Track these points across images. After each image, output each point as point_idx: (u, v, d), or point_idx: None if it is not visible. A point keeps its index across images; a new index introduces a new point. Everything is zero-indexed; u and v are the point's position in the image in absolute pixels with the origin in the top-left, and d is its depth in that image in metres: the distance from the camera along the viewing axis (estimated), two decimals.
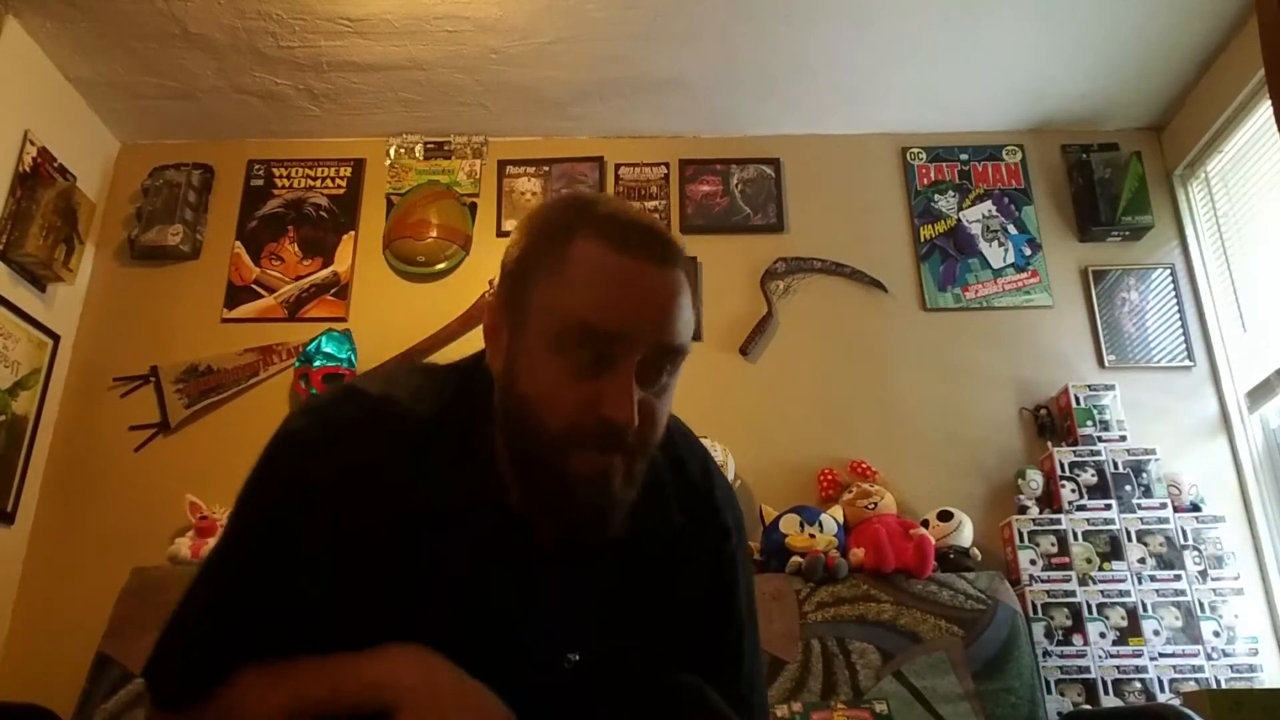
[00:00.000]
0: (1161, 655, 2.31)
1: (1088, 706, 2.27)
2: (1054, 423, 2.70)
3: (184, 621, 0.91)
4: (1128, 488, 2.50)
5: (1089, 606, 2.36)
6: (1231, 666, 2.29)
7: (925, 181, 3.05)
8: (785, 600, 2.26)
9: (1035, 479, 2.56)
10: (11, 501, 2.57)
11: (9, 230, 2.56)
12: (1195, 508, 2.50)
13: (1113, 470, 2.52)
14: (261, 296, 2.92)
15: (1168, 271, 2.89)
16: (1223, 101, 2.71)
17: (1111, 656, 2.31)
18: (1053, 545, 2.44)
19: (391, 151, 3.11)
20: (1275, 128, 1.60)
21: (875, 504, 2.49)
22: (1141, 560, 2.41)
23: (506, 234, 2.99)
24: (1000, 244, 2.95)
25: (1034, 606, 2.37)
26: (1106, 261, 2.92)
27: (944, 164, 3.06)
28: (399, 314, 2.89)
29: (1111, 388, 2.65)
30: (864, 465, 2.62)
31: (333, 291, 2.93)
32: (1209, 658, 2.30)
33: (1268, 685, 2.30)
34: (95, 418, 2.77)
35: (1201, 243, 2.90)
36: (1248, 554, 2.54)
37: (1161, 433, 2.64)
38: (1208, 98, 2.81)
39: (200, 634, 0.88)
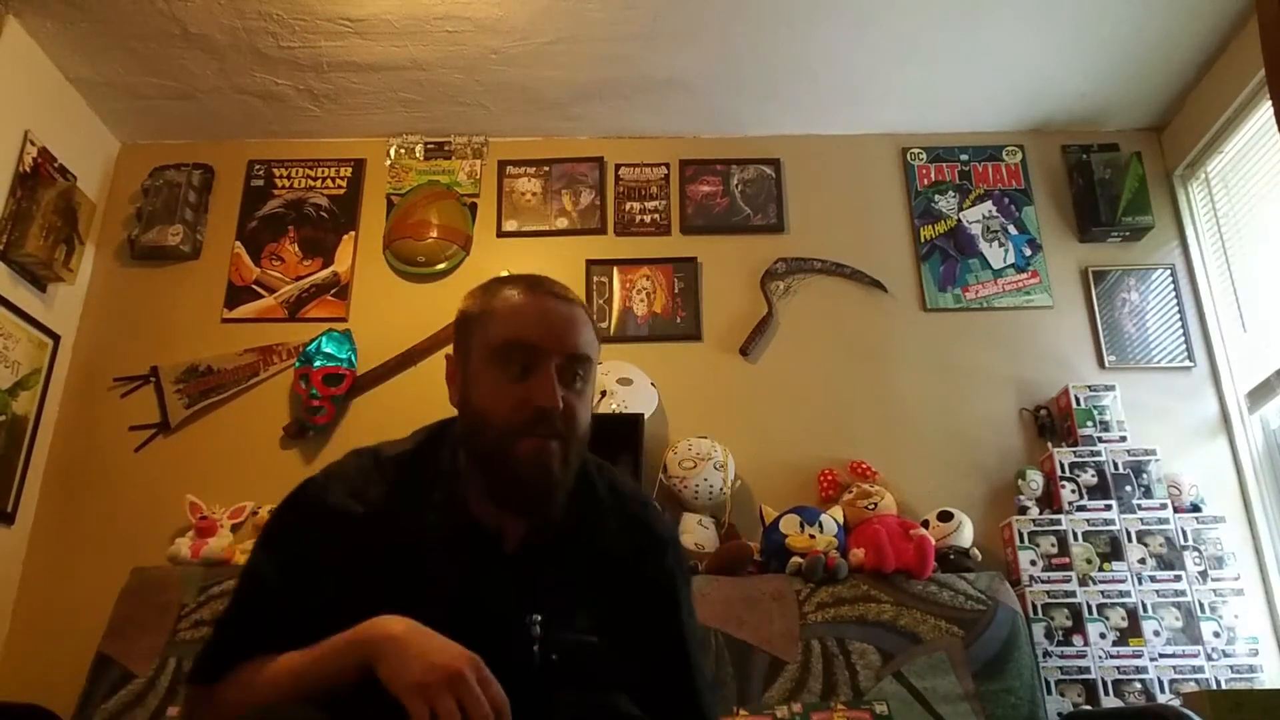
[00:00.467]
0: (1161, 656, 2.31)
1: (1088, 707, 2.27)
2: (1054, 423, 2.70)
3: (218, 622, 1.11)
4: (1128, 488, 2.50)
5: (1089, 607, 2.36)
6: (1231, 667, 2.29)
7: (925, 182, 3.05)
8: (785, 601, 2.26)
9: (1035, 479, 2.56)
10: (11, 501, 2.57)
11: (9, 230, 2.56)
12: (1195, 508, 2.50)
13: (1113, 471, 2.52)
14: (262, 296, 2.92)
15: (1168, 272, 2.89)
16: (1223, 102, 2.71)
17: (1111, 657, 2.31)
18: (1053, 546, 2.44)
19: (392, 152, 3.11)
20: (1275, 128, 1.60)
21: (875, 504, 2.49)
22: (1142, 561, 2.41)
23: (507, 234, 3.00)
24: (1000, 244, 2.95)
25: (1034, 607, 2.37)
26: (1107, 262, 2.92)
27: (944, 164, 3.06)
28: (399, 314, 2.89)
29: (1112, 388, 2.65)
30: (864, 465, 2.62)
31: (333, 292, 2.93)
32: (1209, 658, 2.30)
33: (1268, 686, 2.30)
34: (95, 418, 2.77)
35: (1202, 243, 2.90)
36: (1248, 554, 2.54)
37: (1162, 433, 2.64)
38: (1208, 98, 2.81)
39: (225, 627, 1.08)
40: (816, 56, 2.77)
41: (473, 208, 3.05)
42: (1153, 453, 2.53)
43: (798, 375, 2.82)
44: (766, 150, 3.09)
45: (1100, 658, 2.31)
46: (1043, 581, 2.40)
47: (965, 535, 2.46)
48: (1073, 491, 2.50)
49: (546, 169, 3.09)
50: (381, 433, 2.90)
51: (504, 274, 1.25)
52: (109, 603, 2.32)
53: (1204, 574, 2.39)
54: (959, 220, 2.99)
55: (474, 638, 0.96)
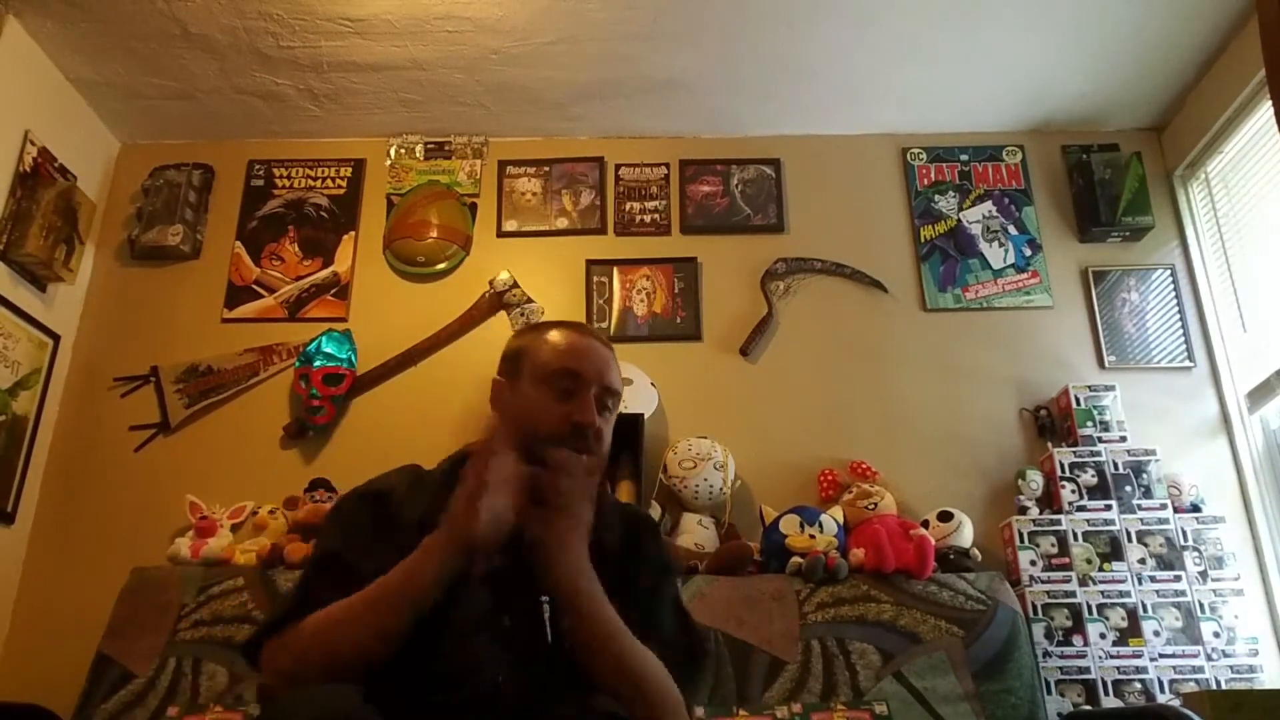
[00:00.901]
0: (1161, 656, 2.31)
1: (1088, 707, 2.27)
2: (1054, 423, 2.70)
3: (291, 593, 1.31)
4: (1128, 488, 2.50)
5: (1089, 607, 2.36)
6: (1231, 667, 2.29)
7: (925, 182, 3.05)
8: (785, 601, 2.26)
9: (1035, 479, 2.56)
10: (11, 501, 2.57)
11: (9, 230, 2.56)
12: (1195, 508, 2.50)
13: (1113, 471, 2.52)
14: (262, 296, 2.92)
15: (1168, 272, 2.89)
16: (1223, 102, 2.71)
17: (1111, 657, 2.31)
18: (1053, 546, 2.44)
19: (392, 151, 3.11)
20: (1275, 128, 1.60)
21: (875, 504, 2.49)
22: (1142, 561, 2.41)
23: (507, 234, 3.00)
24: (1000, 244, 2.95)
25: (1034, 607, 2.37)
26: (1107, 262, 2.92)
27: (944, 164, 3.06)
28: (399, 314, 2.89)
29: (1112, 388, 2.65)
30: (864, 465, 2.62)
31: (333, 291, 2.93)
32: (1209, 658, 2.30)
33: (1268, 686, 2.30)
34: (95, 418, 2.77)
35: (1201, 243, 2.90)
36: (1248, 554, 2.54)
37: (1161, 433, 2.64)
38: (1208, 98, 2.81)
39: (298, 592, 1.23)
40: (816, 56, 2.77)
41: (473, 208, 3.05)
42: (1153, 453, 2.53)
43: (798, 375, 2.82)
44: (766, 150, 3.09)
45: (1100, 658, 2.31)
46: (1043, 581, 2.40)
47: (965, 535, 2.46)
48: (1073, 491, 2.50)
49: (546, 169, 3.09)
50: (381, 433, 2.91)
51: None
52: (109, 603, 2.32)
53: (1204, 574, 2.39)
54: (959, 220, 2.99)
55: (496, 613, 1.16)
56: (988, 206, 3.00)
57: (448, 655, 1.13)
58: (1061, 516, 2.47)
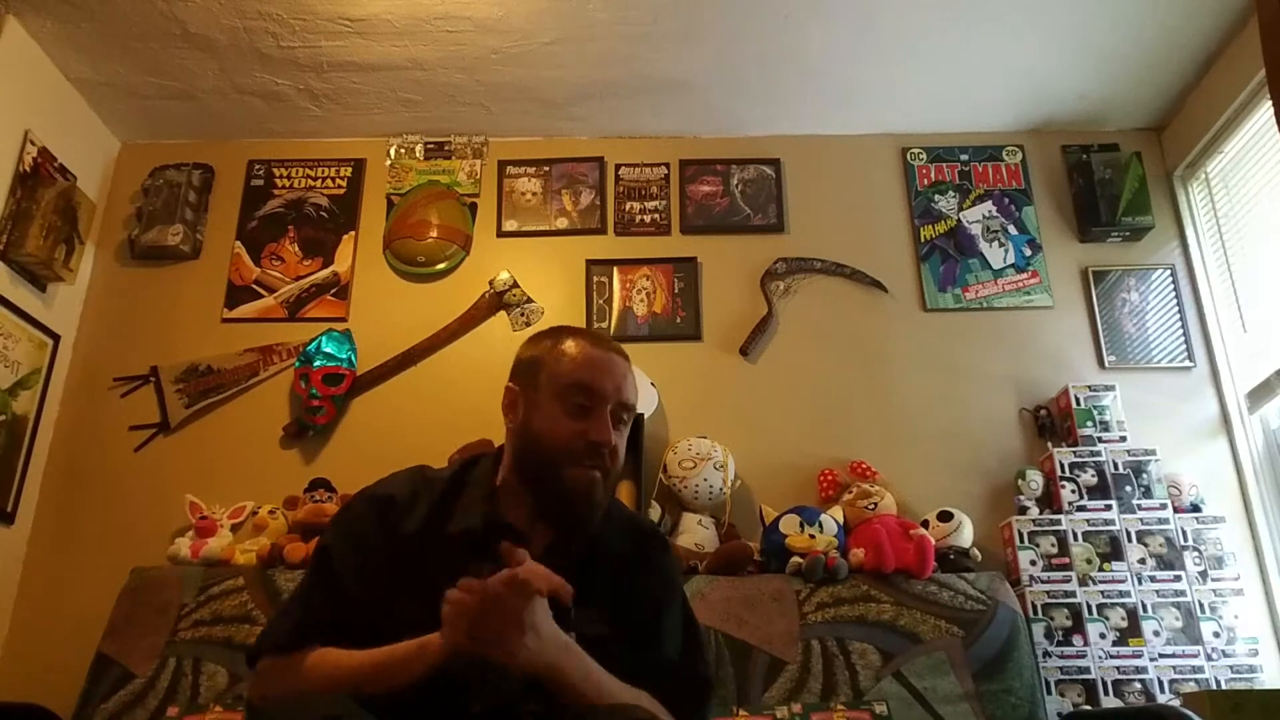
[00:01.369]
0: (1161, 656, 2.31)
1: (1088, 707, 2.27)
2: (1054, 423, 2.70)
3: (284, 607, 1.27)
4: (1128, 488, 2.50)
5: (1089, 607, 2.36)
6: (1231, 667, 2.29)
7: (925, 182, 3.05)
8: (785, 601, 2.26)
9: (1035, 479, 2.56)
10: (11, 501, 2.57)
11: (9, 230, 2.56)
12: (1195, 508, 2.50)
13: (1113, 471, 2.52)
14: (262, 296, 2.92)
15: (1168, 272, 2.89)
16: (1223, 102, 2.71)
17: (1111, 657, 2.31)
18: (1053, 546, 2.44)
19: (392, 151, 3.11)
20: (1275, 128, 1.60)
21: (875, 504, 2.49)
22: (1141, 561, 2.41)
23: (507, 234, 3.00)
24: (1000, 244, 2.95)
25: (1034, 607, 2.36)
26: (1107, 262, 2.92)
27: (944, 164, 3.06)
28: (399, 314, 2.89)
29: (1111, 388, 2.65)
30: (864, 465, 2.62)
31: (333, 291, 2.93)
32: (1209, 658, 2.30)
33: (1268, 686, 2.30)
34: (95, 418, 2.77)
35: (1201, 243, 2.90)
36: (1248, 554, 2.54)
37: (1161, 433, 2.64)
38: (1208, 98, 2.81)
39: (292, 611, 1.23)
40: (816, 56, 2.77)
41: (473, 208, 3.05)
42: (1153, 453, 2.53)
43: (798, 375, 2.82)
44: (766, 150, 3.09)
45: (1100, 658, 2.31)
46: (1043, 581, 2.39)
47: (965, 535, 2.46)
48: (1073, 491, 2.50)
49: (546, 169, 3.09)
50: (381, 433, 2.91)
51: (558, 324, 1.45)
52: (109, 603, 2.32)
53: (1204, 574, 2.39)
54: (959, 220, 2.99)
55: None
56: (988, 206, 3.00)
57: (457, 671, 1.11)
58: (1061, 516, 2.47)
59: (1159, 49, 2.73)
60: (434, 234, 2.97)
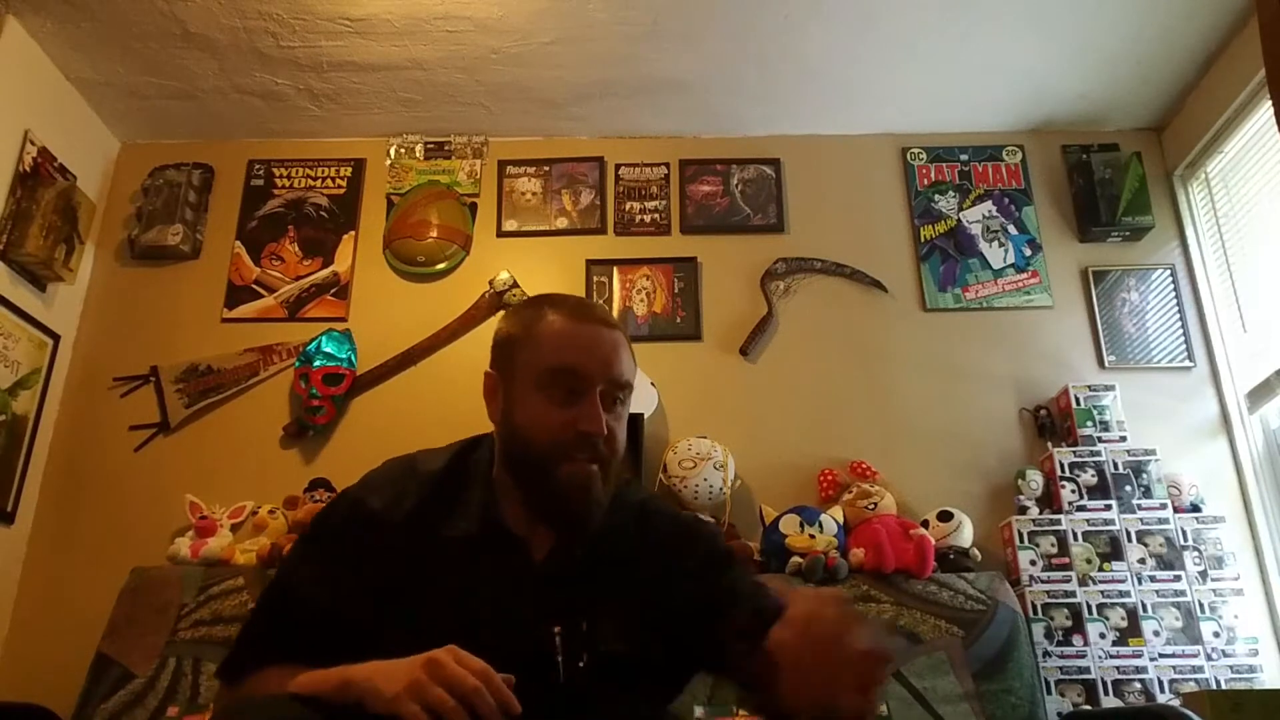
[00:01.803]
0: (1161, 656, 2.31)
1: (1088, 707, 2.27)
2: (1054, 423, 2.69)
3: (246, 625, 1.14)
4: (1128, 488, 2.50)
5: (1089, 607, 2.36)
6: (1231, 667, 2.29)
7: (925, 182, 3.05)
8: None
9: (1035, 479, 2.56)
10: (11, 501, 2.57)
11: (9, 230, 2.56)
12: (1195, 508, 2.50)
13: (1113, 471, 2.52)
14: (261, 296, 2.92)
15: (1168, 272, 2.89)
16: (1223, 102, 2.71)
17: (1111, 657, 2.31)
18: (1053, 546, 2.44)
19: (392, 151, 3.11)
20: (1275, 128, 1.60)
21: (875, 504, 2.49)
22: (1141, 561, 2.41)
23: (507, 234, 3.00)
24: (1000, 244, 2.95)
25: (1034, 607, 2.36)
26: (1106, 262, 2.92)
27: (944, 164, 3.06)
28: (399, 314, 2.89)
29: (1111, 388, 2.65)
30: (864, 465, 2.62)
31: (333, 291, 2.93)
32: (1209, 658, 2.30)
33: (1268, 686, 2.29)
34: (95, 418, 2.77)
35: (1201, 243, 2.90)
36: (1248, 554, 2.54)
37: (1161, 433, 2.64)
38: (1208, 98, 2.81)
39: (253, 630, 1.11)
40: (816, 56, 2.77)
41: (473, 207, 3.05)
42: (1153, 453, 2.53)
43: (798, 375, 2.82)
44: (766, 150, 3.09)
45: (1100, 658, 2.31)
46: (1043, 581, 2.39)
47: (965, 535, 2.46)
48: (1072, 491, 2.50)
49: (546, 169, 3.09)
50: (381, 433, 2.91)
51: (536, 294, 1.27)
52: (109, 603, 2.32)
53: (1204, 574, 2.39)
54: (959, 220, 2.99)
55: (496, 645, 0.96)
56: (988, 206, 3.00)
57: None
58: (1061, 516, 2.47)
59: (1159, 49, 2.73)
60: (434, 234, 2.97)
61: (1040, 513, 2.52)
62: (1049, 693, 2.26)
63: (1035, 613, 2.36)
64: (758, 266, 2.92)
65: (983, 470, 2.68)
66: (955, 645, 2.18)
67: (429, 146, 3.11)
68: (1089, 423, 2.60)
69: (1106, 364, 2.79)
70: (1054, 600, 2.37)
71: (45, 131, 2.70)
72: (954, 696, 2.11)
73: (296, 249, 2.98)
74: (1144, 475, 2.51)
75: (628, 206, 3.03)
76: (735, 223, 3.01)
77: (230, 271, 2.95)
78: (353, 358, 2.79)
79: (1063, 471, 2.52)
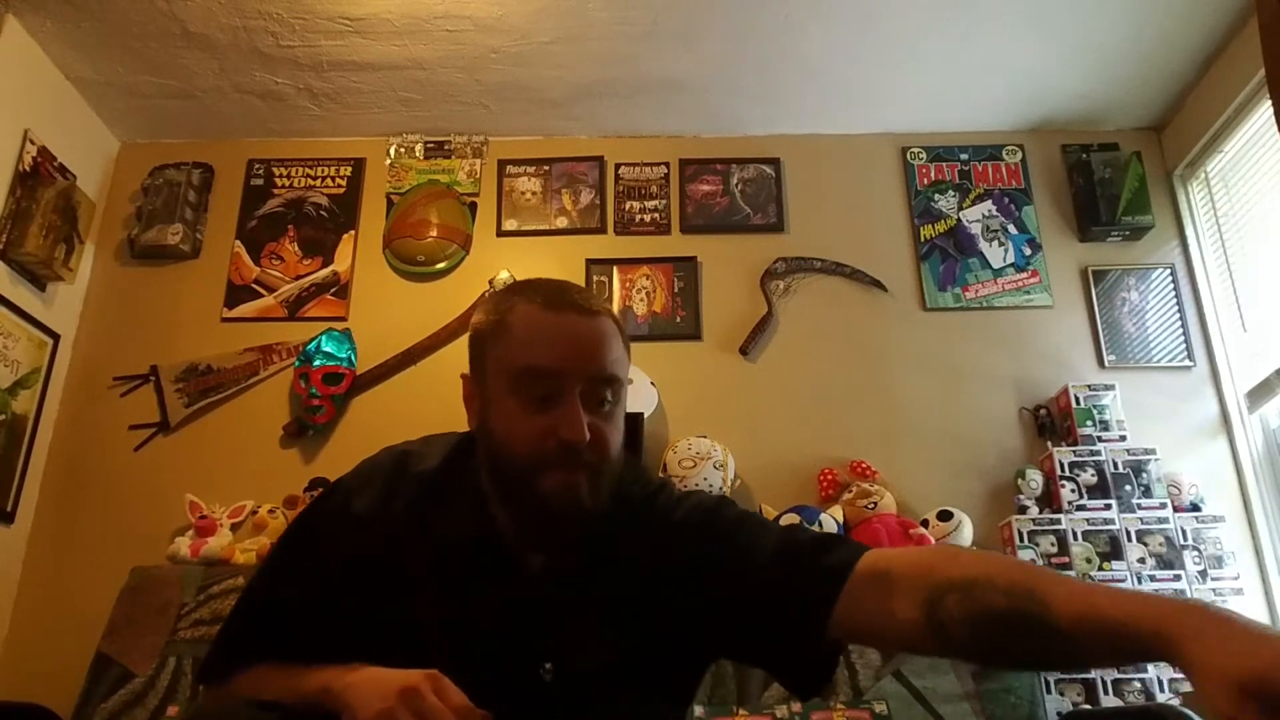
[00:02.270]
0: None
1: (1087, 706, 2.27)
2: (1054, 423, 2.70)
3: (224, 625, 1.08)
4: (1128, 488, 2.50)
5: None
6: None
7: (925, 181, 3.05)
8: None
9: (1035, 479, 2.56)
10: (11, 501, 2.57)
11: (9, 230, 2.56)
12: (1195, 508, 2.50)
13: (1113, 470, 2.52)
14: (261, 296, 2.92)
15: (1168, 271, 2.89)
16: (1223, 101, 2.71)
17: None
18: (1052, 545, 2.44)
19: (391, 151, 3.11)
20: (1275, 128, 1.60)
21: (875, 504, 2.49)
22: (1141, 560, 2.41)
23: (506, 233, 3.00)
24: (1000, 244, 2.95)
25: None
26: (1106, 261, 2.92)
27: (944, 164, 3.06)
28: (399, 314, 2.89)
29: (1111, 388, 2.65)
30: (864, 465, 2.62)
31: (333, 291, 2.93)
32: None
33: None
34: (95, 417, 2.77)
35: (1201, 243, 2.90)
36: (1248, 554, 2.54)
37: (1161, 433, 2.64)
38: (1208, 98, 2.81)
39: (231, 630, 1.06)
40: (816, 56, 2.77)
41: (472, 207, 3.05)
42: (1152, 452, 2.53)
43: (798, 375, 2.82)
44: (766, 150, 3.09)
45: None
46: None
47: (965, 535, 2.46)
48: (1072, 491, 2.50)
49: (546, 168, 3.09)
50: (381, 432, 2.89)
51: (509, 279, 1.17)
52: (109, 602, 2.32)
53: (1204, 574, 2.39)
54: (959, 220, 2.99)
55: (481, 659, 0.94)
56: (987, 206, 3.00)
57: None
58: (1061, 516, 2.47)
59: (1159, 49, 2.73)
60: (434, 233, 2.97)
61: (1040, 512, 2.52)
62: (1049, 692, 2.26)
63: None
64: (758, 266, 2.92)
65: (983, 470, 2.68)
66: None
67: (429, 146, 3.11)
68: (1089, 422, 2.60)
69: (1106, 363, 2.79)
70: None
71: (45, 131, 2.70)
72: (954, 696, 2.11)
73: (296, 248, 2.98)
74: (1144, 475, 2.51)
75: (628, 206, 3.03)
76: (735, 222, 3.01)
77: (230, 271, 2.95)
78: (352, 357, 2.79)
79: (1062, 471, 2.52)
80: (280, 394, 2.80)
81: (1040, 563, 2.41)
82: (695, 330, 2.87)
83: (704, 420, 2.71)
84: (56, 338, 2.76)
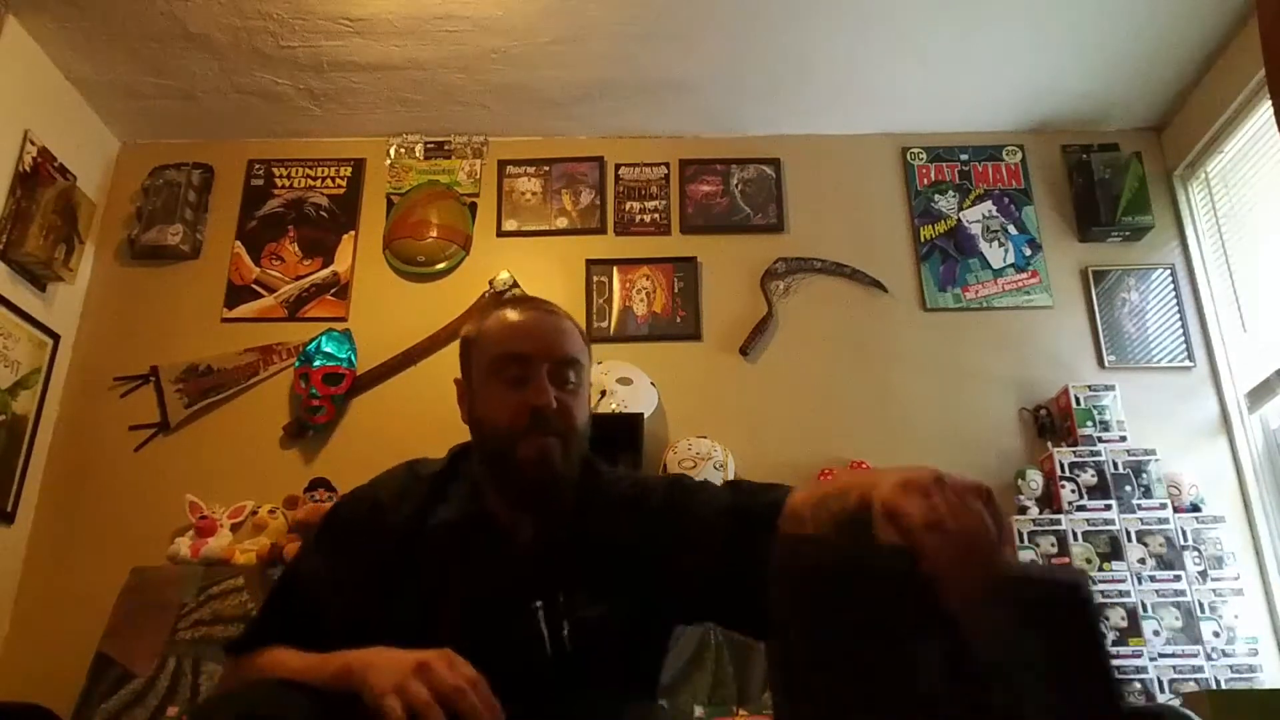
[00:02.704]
0: (1161, 655, 2.31)
1: None
2: (1054, 423, 2.69)
3: (263, 605, 1.22)
4: (1128, 488, 2.50)
5: None
6: (1231, 667, 2.29)
7: (925, 182, 3.05)
8: None
9: (1035, 479, 2.56)
10: (11, 501, 2.57)
11: (9, 230, 2.56)
12: (1195, 508, 2.50)
13: (1113, 471, 2.52)
14: (261, 296, 2.92)
15: (1168, 272, 2.89)
16: (1223, 101, 2.71)
17: (1111, 656, 2.31)
18: (1053, 545, 2.44)
19: (392, 151, 3.11)
20: (1275, 128, 1.60)
21: None
22: (1141, 560, 2.41)
23: (507, 233, 3.00)
24: (1000, 244, 2.95)
25: None
26: (1106, 262, 2.92)
27: (944, 164, 3.06)
28: (399, 314, 2.89)
29: (1111, 388, 2.65)
30: (864, 465, 2.61)
31: (333, 291, 2.93)
32: (1209, 658, 2.30)
33: (1267, 685, 2.30)
34: (95, 418, 2.77)
35: (1201, 243, 2.90)
36: (1248, 554, 2.54)
37: (1161, 433, 2.64)
38: (1208, 98, 2.81)
39: (266, 609, 1.19)
40: (816, 56, 2.77)
41: (473, 207, 3.05)
42: (1153, 453, 2.53)
43: (798, 375, 2.82)
44: (766, 150, 3.09)
45: None
46: None
47: None
48: (1072, 491, 2.50)
49: (546, 169, 3.09)
50: (381, 432, 2.90)
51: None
52: (109, 602, 2.32)
53: (1204, 574, 2.39)
54: (959, 220, 2.99)
55: (483, 628, 1.06)
56: (988, 206, 3.00)
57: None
58: (1061, 516, 2.47)
59: (1159, 49, 2.73)
60: (434, 234, 2.97)
61: (1040, 512, 2.52)
62: None
63: None
64: (758, 266, 2.92)
65: (983, 470, 2.68)
66: None
67: (429, 146, 3.11)
68: (1089, 423, 2.60)
69: (1106, 364, 2.79)
70: None
71: (45, 131, 2.70)
72: None
73: (296, 249, 2.98)
74: (1144, 475, 2.51)
75: (628, 206, 3.03)
76: (735, 222, 3.01)
77: (230, 271, 2.95)
78: (353, 357, 2.79)
79: (1063, 471, 2.52)
80: (280, 394, 2.80)
81: (1040, 563, 2.41)
82: (695, 330, 2.87)
83: (704, 421, 2.71)
84: (57, 338, 2.76)
